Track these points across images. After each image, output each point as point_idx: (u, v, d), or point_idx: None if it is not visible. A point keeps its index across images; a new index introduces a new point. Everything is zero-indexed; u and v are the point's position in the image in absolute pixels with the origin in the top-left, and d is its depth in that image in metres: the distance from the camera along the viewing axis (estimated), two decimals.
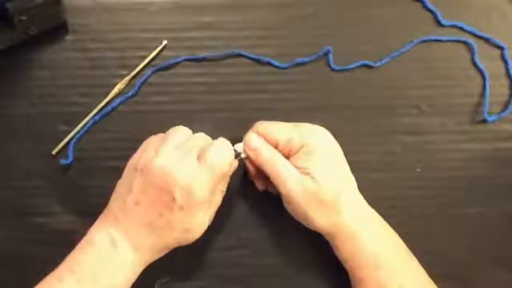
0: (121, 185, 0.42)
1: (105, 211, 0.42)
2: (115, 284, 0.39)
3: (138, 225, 0.40)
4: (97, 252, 0.40)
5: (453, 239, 0.48)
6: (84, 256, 0.40)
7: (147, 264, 0.42)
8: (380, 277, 0.41)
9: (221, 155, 0.42)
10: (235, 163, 0.45)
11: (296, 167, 0.43)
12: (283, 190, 0.43)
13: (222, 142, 0.43)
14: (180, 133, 0.43)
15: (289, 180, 0.42)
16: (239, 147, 0.45)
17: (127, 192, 0.40)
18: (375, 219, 0.44)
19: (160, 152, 0.40)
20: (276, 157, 0.43)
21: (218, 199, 0.44)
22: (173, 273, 0.47)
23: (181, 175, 0.39)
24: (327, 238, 0.44)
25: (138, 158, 0.41)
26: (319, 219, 0.43)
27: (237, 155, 0.45)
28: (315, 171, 0.42)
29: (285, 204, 0.44)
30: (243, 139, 0.45)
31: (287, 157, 0.44)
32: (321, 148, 0.43)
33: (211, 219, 0.43)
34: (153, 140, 0.43)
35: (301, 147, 0.43)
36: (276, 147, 0.44)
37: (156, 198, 0.40)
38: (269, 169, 0.43)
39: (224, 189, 0.44)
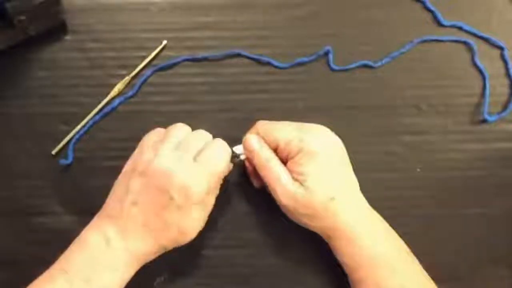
0: (118, 186, 0.42)
1: (100, 213, 0.42)
2: (108, 284, 0.39)
3: (134, 225, 0.40)
4: (90, 252, 0.39)
5: (453, 239, 0.48)
6: (77, 256, 0.39)
7: (141, 265, 0.42)
8: (380, 278, 0.41)
9: (218, 156, 0.42)
10: (230, 165, 0.45)
11: (292, 172, 0.42)
12: (275, 197, 0.43)
13: (219, 143, 0.43)
14: (179, 131, 0.43)
15: (281, 188, 0.42)
16: (238, 149, 0.45)
17: (125, 193, 0.40)
18: (375, 220, 0.43)
19: (159, 153, 0.40)
20: (272, 162, 0.43)
21: (211, 200, 0.43)
22: (172, 272, 0.47)
23: (179, 175, 0.39)
24: (325, 239, 0.44)
25: (136, 160, 0.41)
26: (314, 224, 0.43)
27: (236, 156, 0.45)
28: (309, 177, 0.41)
29: (281, 208, 0.44)
30: (242, 140, 0.45)
31: (286, 159, 0.43)
32: (321, 151, 0.42)
33: (205, 220, 0.43)
34: (149, 140, 0.43)
35: (300, 150, 0.42)
36: (275, 148, 0.44)
37: (154, 199, 0.40)
38: (263, 173, 0.43)
39: (217, 190, 0.44)
